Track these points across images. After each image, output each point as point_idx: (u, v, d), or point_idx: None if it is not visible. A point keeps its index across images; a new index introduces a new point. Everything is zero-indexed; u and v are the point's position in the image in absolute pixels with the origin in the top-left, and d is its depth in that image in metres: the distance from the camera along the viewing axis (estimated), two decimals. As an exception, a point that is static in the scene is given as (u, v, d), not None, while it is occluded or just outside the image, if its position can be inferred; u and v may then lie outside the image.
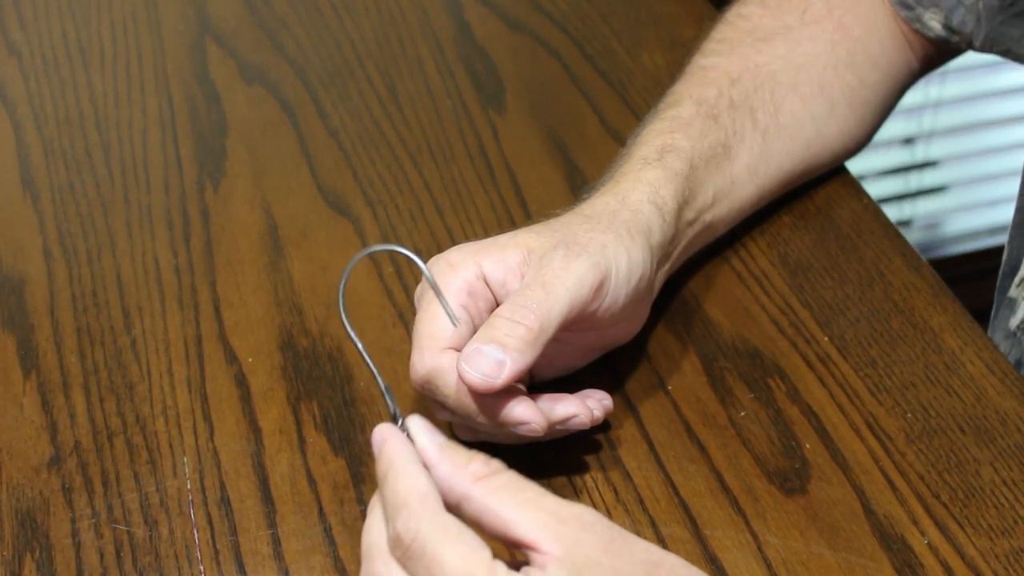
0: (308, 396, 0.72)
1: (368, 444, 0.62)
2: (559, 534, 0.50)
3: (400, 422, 0.54)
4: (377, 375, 0.58)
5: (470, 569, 0.49)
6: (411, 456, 0.53)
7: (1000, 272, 0.84)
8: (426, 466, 0.53)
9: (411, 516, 0.51)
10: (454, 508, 0.52)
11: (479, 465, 0.52)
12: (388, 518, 0.52)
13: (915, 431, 0.69)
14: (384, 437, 0.54)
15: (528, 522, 0.50)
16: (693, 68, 0.81)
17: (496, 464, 0.52)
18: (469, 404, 0.62)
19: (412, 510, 0.51)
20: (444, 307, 0.63)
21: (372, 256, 0.81)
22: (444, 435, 0.54)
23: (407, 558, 0.51)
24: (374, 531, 0.53)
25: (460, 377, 0.61)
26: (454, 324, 0.63)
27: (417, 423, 0.54)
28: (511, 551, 0.52)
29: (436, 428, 0.54)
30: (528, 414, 0.63)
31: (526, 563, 0.51)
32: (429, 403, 0.66)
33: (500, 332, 0.62)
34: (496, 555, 0.50)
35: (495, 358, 0.61)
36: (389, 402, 0.57)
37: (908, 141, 1.96)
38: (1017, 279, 0.81)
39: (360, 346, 0.59)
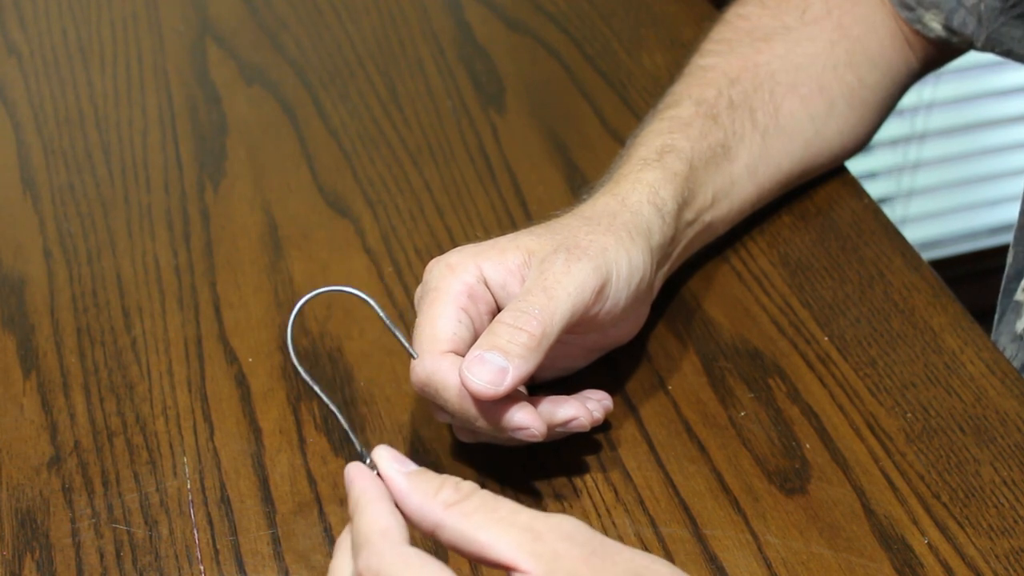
0: (308, 396, 0.72)
1: (367, 444, 0.62)
2: (536, 550, 0.49)
3: (368, 459, 0.54)
4: (339, 415, 0.58)
5: None
6: (375, 492, 0.52)
7: (1005, 275, 0.83)
8: (396, 498, 0.52)
9: (372, 552, 0.50)
10: (429, 537, 0.51)
11: (450, 492, 0.51)
12: (353, 557, 0.51)
13: (915, 431, 0.69)
14: (351, 477, 0.53)
15: (503, 542, 0.49)
16: (692, 68, 0.81)
17: (467, 487, 0.51)
18: (470, 409, 0.62)
19: (373, 545, 0.50)
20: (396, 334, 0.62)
21: (372, 257, 0.81)
22: (412, 463, 0.53)
23: None
24: (337, 571, 0.52)
25: (463, 384, 0.61)
26: (413, 356, 0.63)
27: (384, 454, 0.53)
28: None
29: (403, 457, 0.53)
30: (528, 420, 0.63)
31: None
32: (429, 406, 0.66)
33: (503, 339, 0.61)
34: None
35: (498, 365, 0.61)
36: (354, 440, 0.57)
37: (902, 142, 1.96)
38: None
39: (319, 390, 0.59)
